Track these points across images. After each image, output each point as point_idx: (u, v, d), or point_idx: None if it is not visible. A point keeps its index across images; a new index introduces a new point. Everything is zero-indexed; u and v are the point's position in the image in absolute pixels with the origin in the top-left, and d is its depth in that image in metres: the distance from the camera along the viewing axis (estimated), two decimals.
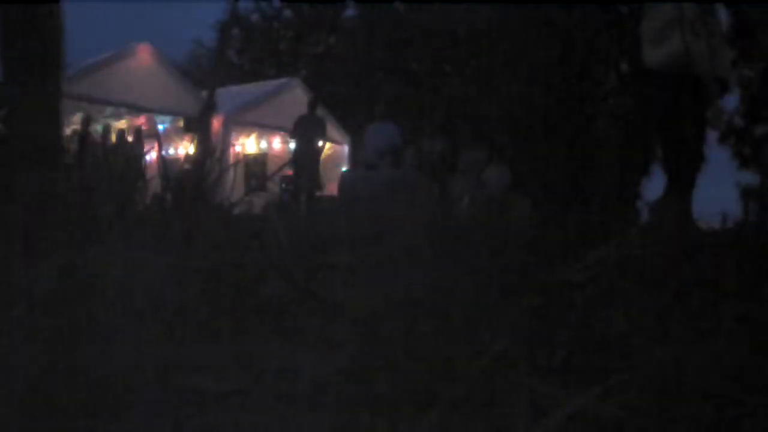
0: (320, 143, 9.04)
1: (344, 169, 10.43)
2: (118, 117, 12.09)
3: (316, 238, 1.40)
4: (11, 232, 1.13)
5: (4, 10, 2.48)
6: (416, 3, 21.24)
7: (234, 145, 12.75)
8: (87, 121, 10.03)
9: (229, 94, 12.46)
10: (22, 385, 0.67)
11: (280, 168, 10.67)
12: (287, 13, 26.04)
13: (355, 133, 11.13)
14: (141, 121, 11.83)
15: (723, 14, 3.42)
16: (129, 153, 9.91)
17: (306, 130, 8.84)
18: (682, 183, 3.08)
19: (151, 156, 11.48)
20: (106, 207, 1.31)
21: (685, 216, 2.98)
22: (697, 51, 3.07)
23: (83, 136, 9.73)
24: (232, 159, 11.72)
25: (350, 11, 24.56)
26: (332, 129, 12.94)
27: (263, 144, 13.60)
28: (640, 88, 2.94)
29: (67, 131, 10.53)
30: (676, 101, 3.08)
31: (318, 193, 8.85)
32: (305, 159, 8.69)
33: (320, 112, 9.86)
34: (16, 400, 0.66)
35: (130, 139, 10.82)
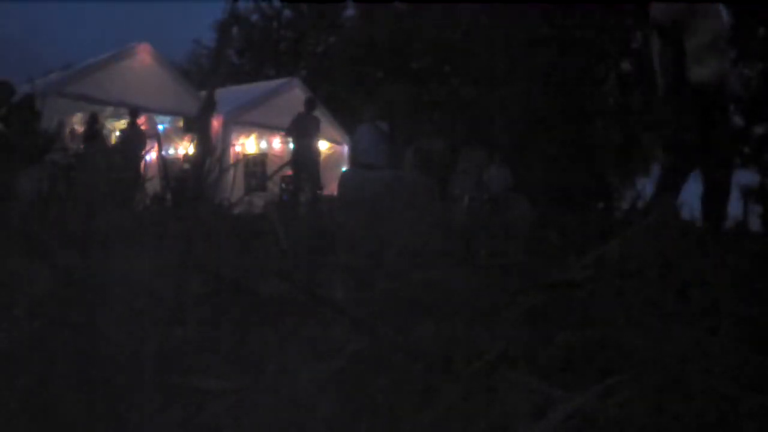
0: (317, 142, 9.03)
1: (344, 169, 10.43)
2: (118, 117, 12.09)
3: (316, 238, 1.40)
4: (11, 232, 1.13)
5: None
6: (416, 3, 21.24)
7: (234, 145, 12.75)
8: (94, 119, 10.01)
9: (229, 94, 12.46)
10: (22, 385, 0.67)
11: (280, 168, 10.67)
12: (287, 13, 26.05)
13: (353, 134, 11.14)
14: (141, 121, 11.82)
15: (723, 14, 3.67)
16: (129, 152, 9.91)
17: (305, 129, 8.82)
18: (718, 190, 3.35)
19: (151, 156, 11.49)
20: (106, 207, 1.31)
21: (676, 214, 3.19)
22: (728, 68, 3.43)
23: (90, 134, 9.73)
24: (232, 159, 11.70)
25: (350, 11, 24.59)
26: (332, 129, 12.94)
27: (263, 144, 13.59)
28: (680, 103, 3.21)
29: (67, 131, 10.54)
30: (714, 115, 3.35)
31: (317, 192, 8.84)
32: (305, 158, 8.68)
33: (319, 112, 9.85)
34: (16, 400, 0.66)
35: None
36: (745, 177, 18.10)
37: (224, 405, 0.67)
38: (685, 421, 0.77)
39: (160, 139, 5.97)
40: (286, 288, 0.92)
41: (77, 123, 11.18)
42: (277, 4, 25.95)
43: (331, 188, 8.85)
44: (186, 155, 12.12)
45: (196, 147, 9.88)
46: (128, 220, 1.33)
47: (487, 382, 0.72)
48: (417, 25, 20.72)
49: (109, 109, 11.65)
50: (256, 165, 13.29)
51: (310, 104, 9.29)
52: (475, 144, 12.35)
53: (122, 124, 11.99)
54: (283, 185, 11.78)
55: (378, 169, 7.54)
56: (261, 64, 25.36)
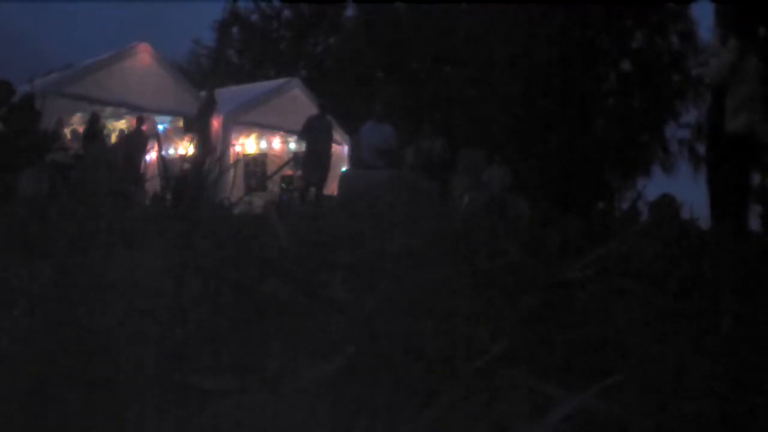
0: (329, 144, 8.94)
1: (344, 169, 10.42)
2: (118, 117, 12.08)
3: (316, 238, 1.40)
4: (11, 231, 1.13)
5: None
6: (416, 3, 21.23)
7: (234, 145, 12.74)
8: (95, 119, 10.09)
9: (229, 94, 12.45)
10: (22, 385, 0.67)
11: (280, 168, 10.65)
12: (287, 13, 26.04)
13: (355, 134, 11.14)
14: (144, 127, 11.82)
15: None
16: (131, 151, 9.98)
17: (316, 131, 8.71)
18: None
19: (151, 156, 11.49)
20: (106, 207, 1.31)
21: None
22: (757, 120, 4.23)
23: (90, 134, 9.79)
24: (232, 159, 11.69)
25: (350, 11, 24.58)
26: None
27: (263, 144, 13.57)
28: (722, 148, 4.42)
29: (67, 131, 10.55)
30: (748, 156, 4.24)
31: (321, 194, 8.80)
32: (315, 160, 8.57)
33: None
34: (16, 400, 0.66)
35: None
36: None
37: (224, 405, 0.67)
38: (685, 421, 0.77)
39: (160, 139, 5.98)
40: (286, 288, 0.92)
41: (77, 123, 11.18)
42: (277, 4, 25.95)
43: (331, 188, 8.83)
44: (186, 155, 12.11)
45: (196, 147, 9.89)
46: (128, 220, 1.33)
47: (487, 382, 0.72)
48: (417, 24, 20.71)
49: (109, 109, 11.64)
50: (256, 165, 13.28)
51: (322, 107, 9.22)
52: (475, 144, 12.34)
53: (122, 123, 11.99)
54: (283, 185, 11.77)
55: (377, 169, 7.54)
56: (261, 64, 25.33)
